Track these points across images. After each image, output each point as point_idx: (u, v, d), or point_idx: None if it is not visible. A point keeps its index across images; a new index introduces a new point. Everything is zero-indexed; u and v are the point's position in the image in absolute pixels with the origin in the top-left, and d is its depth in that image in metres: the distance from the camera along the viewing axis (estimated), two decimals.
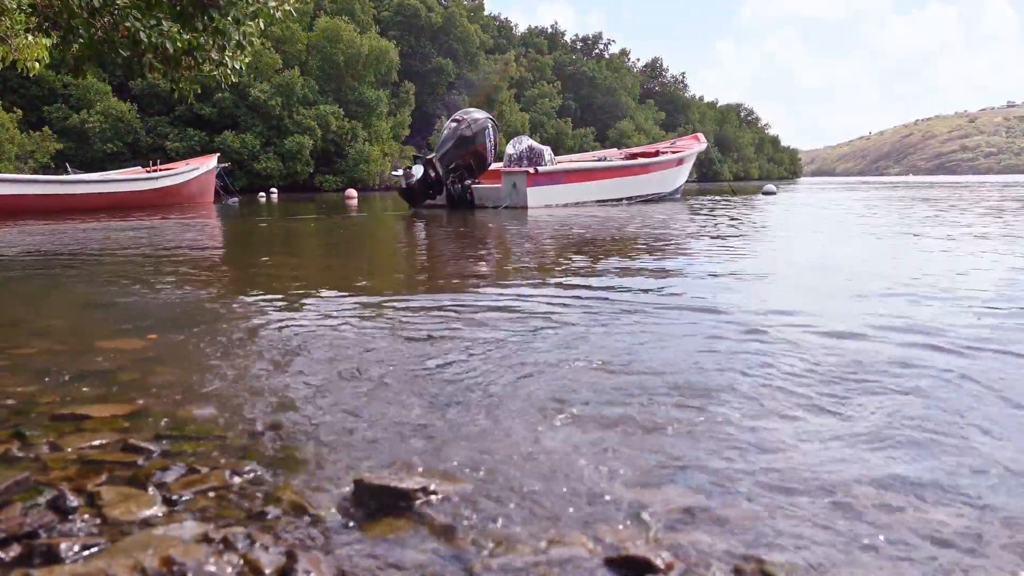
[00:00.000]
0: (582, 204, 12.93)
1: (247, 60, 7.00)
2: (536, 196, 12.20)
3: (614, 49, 70.40)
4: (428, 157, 12.90)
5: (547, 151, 13.60)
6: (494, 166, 13.45)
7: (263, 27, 6.87)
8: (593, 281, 3.70)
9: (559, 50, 65.30)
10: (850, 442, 1.44)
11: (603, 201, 13.53)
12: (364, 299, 3.29)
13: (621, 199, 13.94)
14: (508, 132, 40.50)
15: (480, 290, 3.53)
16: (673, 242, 5.93)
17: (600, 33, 71.56)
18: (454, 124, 12.88)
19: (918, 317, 2.64)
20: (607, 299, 3.12)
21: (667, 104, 72.23)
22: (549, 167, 13.03)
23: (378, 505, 1.17)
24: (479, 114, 13.23)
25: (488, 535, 1.08)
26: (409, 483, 1.22)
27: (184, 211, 13.49)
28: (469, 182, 12.79)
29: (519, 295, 3.30)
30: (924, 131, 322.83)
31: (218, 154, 22.01)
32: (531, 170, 12.24)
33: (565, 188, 12.91)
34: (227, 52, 6.55)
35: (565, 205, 12.60)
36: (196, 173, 17.31)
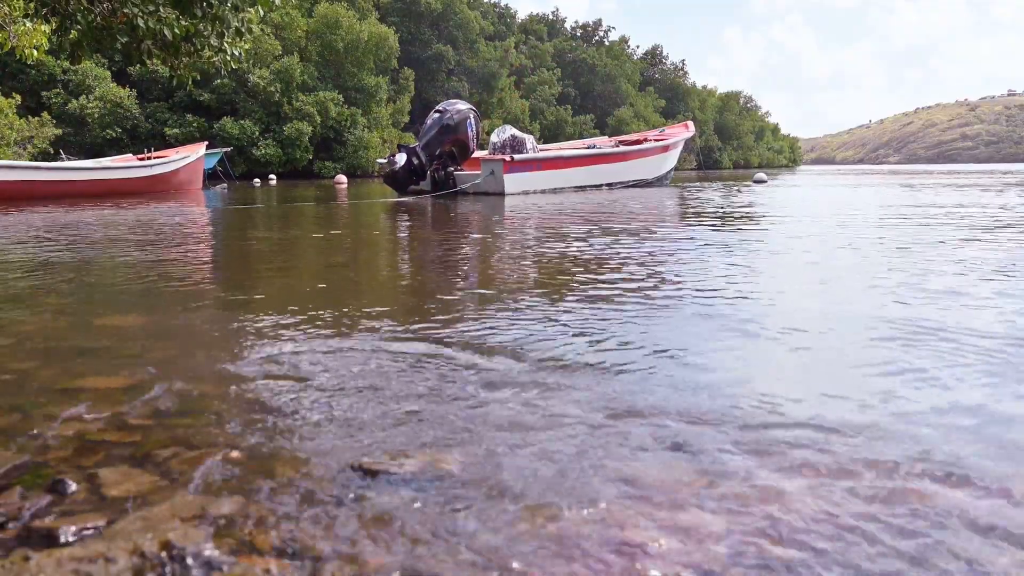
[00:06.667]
0: (560, 190, 13.42)
1: (246, 47, 7.00)
2: (513, 183, 12.71)
3: (614, 36, 70.19)
4: (412, 146, 13.48)
5: (529, 140, 14.24)
6: (478, 154, 13.96)
7: (262, 14, 6.86)
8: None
9: (559, 37, 65.05)
10: None
11: (582, 187, 14.08)
12: (354, 279, 3.30)
13: (601, 185, 14.46)
14: (508, 119, 40.45)
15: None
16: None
17: (600, 20, 71.17)
18: (437, 115, 13.50)
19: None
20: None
21: (667, 92, 72.00)
22: (526, 155, 13.54)
23: (378, 486, 1.18)
24: (462, 105, 13.80)
25: (485, 515, 1.09)
26: (407, 467, 1.23)
27: (175, 198, 13.59)
28: (452, 169, 13.26)
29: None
30: (925, 119, 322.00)
31: (207, 142, 22.13)
32: (507, 158, 12.72)
33: (542, 175, 13.44)
34: (226, 39, 6.55)
35: (543, 191, 13.14)
36: (186, 161, 17.45)
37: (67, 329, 2.41)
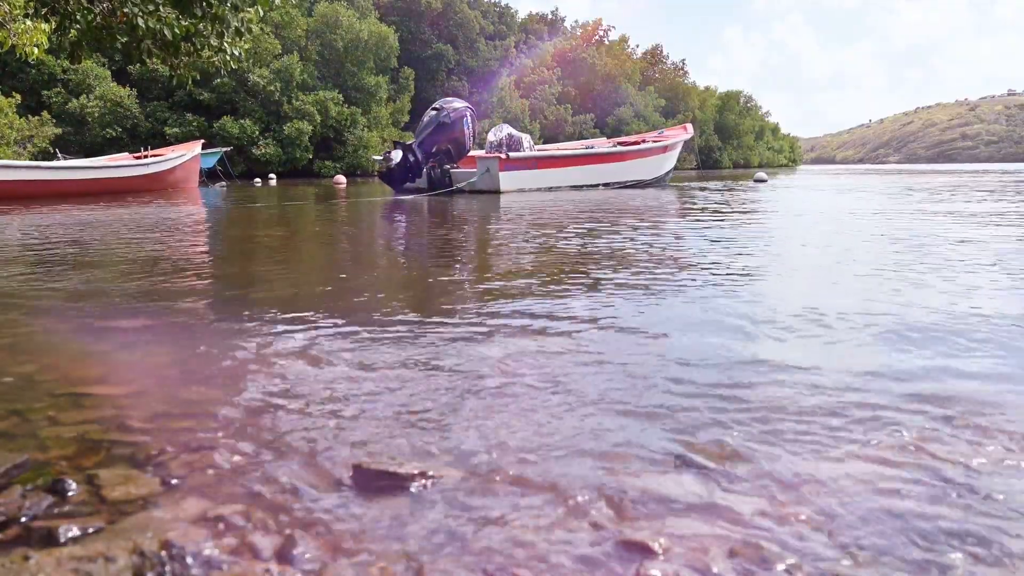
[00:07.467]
0: (556, 189, 13.56)
1: (246, 47, 7.00)
2: (508, 180, 12.85)
3: (614, 36, 70.13)
4: (408, 143, 13.62)
5: (526, 139, 14.44)
6: (474, 152, 14.17)
7: (262, 13, 6.87)
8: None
9: (559, 36, 64.97)
10: None
11: (579, 187, 14.17)
12: (355, 278, 3.30)
13: (598, 185, 14.53)
14: (508, 119, 40.41)
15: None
16: None
17: (600, 19, 71.11)
18: (434, 112, 13.71)
19: None
20: None
21: (667, 91, 71.92)
22: (522, 153, 13.71)
23: (377, 488, 1.18)
24: (458, 103, 13.99)
25: (485, 516, 1.09)
26: (408, 468, 1.23)
27: (172, 196, 13.66)
28: (448, 166, 13.39)
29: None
30: (924, 119, 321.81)
31: (202, 140, 22.18)
32: (503, 155, 12.85)
33: (538, 173, 13.56)
34: (226, 38, 6.55)
35: (538, 189, 13.28)
36: (182, 159, 17.53)
37: (67, 331, 2.41)
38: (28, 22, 6.25)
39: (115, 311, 2.75)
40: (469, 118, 13.73)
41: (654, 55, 77.45)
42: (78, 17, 5.94)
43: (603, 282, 3.25)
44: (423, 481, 1.20)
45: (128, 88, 31.23)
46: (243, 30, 6.63)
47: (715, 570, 0.95)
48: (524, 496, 1.16)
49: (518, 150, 13.87)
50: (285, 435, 1.42)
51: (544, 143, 28.98)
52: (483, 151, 14.16)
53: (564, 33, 66.86)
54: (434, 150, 13.36)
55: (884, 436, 1.40)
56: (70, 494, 1.15)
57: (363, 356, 1.99)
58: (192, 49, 6.50)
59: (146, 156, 17.60)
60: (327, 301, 2.82)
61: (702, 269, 3.67)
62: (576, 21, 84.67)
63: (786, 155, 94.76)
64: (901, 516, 1.10)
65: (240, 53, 6.80)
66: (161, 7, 6.06)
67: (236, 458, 1.30)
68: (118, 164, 16.07)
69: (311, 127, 33.74)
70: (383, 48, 38.26)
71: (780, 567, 0.96)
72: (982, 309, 2.58)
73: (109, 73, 30.98)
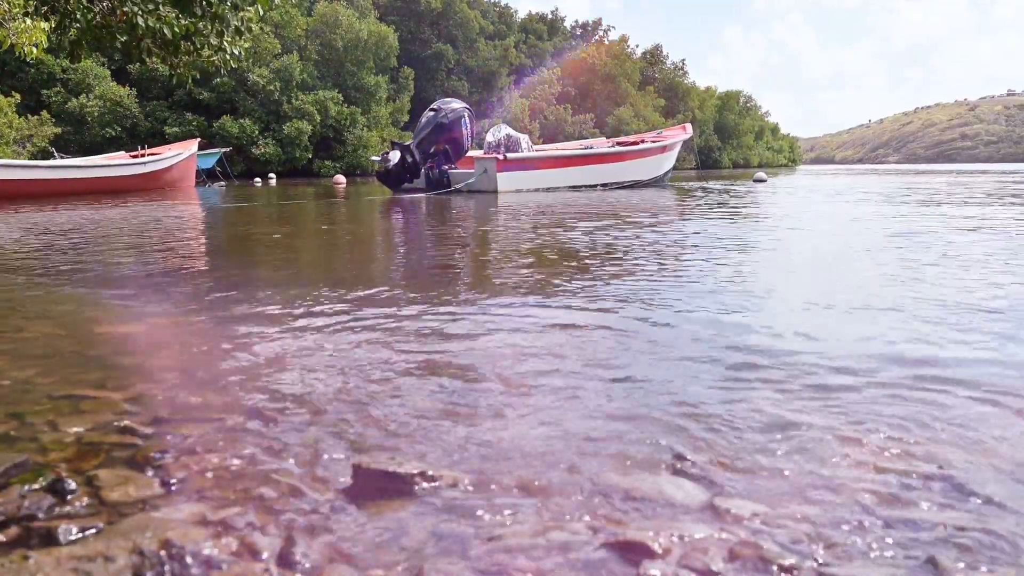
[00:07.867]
0: (555, 190, 13.58)
1: (246, 46, 7.00)
2: (506, 181, 12.90)
3: (614, 35, 70.23)
4: (406, 143, 13.70)
5: (524, 139, 14.49)
6: (472, 152, 14.23)
7: (262, 12, 6.87)
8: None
9: (559, 36, 65.06)
10: None
11: (577, 187, 14.19)
12: (356, 281, 3.30)
13: (596, 185, 14.55)
14: (507, 119, 40.45)
15: None
16: None
17: (600, 19, 71.15)
18: (432, 113, 13.77)
19: None
20: None
21: (667, 91, 71.98)
22: (520, 154, 13.76)
23: (377, 489, 1.18)
24: (456, 104, 14.05)
25: (486, 517, 1.09)
26: (408, 468, 1.23)
27: (170, 195, 13.68)
28: (446, 167, 13.45)
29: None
30: (924, 119, 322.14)
31: (199, 139, 22.21)
32: (500, 156, 12.90)
33: (536, 174, 13.61)
34: (226, 37, 6.56)
35: (536, 190, 13.30)
36: (179, 159, 17.57)
37: (67, 336, 2.41)
38: (28, 21, 6.25)
39: (113, 312, 2.75)
40: (467, 118, 13.78)
41: (654, 55, 77.48)
42: (78, 16, 5.94)
43: (604, 280, 3.25)
44: (424, 482, 1.20)
45: (128, 87, 31.27)
46: (243, 29, 6.64)
47: (714, 570, 0.95)
48: (525, 496, 1.16)
49: (516, 150, 13.91)
50: (285, 435, 1.42)
51: (544, 143, 28.98)
52: (481, 151, 14.22)
53: (563, 33, 66.91)
54: (432, 150, 13.43)
55: (890, 436, 1.40)
56: (69, 495, 1.15)
57: (363, 356, 1.99)
58: (192, 48, 6.50)
59: (143, 155, 17.64)
60: (327, 301, 2.82)
61: (701, 266, 3.67)
62: (576, 21, 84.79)
63: (786, 155, 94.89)
64: (909, 519, 1.09)
65: (240, 52, 6.81)
66: (161, 6, 6.07)
67: (235, 459, 1.30)
68: (114, 163, 16.07)
69: (311, 127, 33.77)
70: (383, 48, 38.31)
71: (779, 568, 0.96)
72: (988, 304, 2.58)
73: (108, 72, 31.01)
